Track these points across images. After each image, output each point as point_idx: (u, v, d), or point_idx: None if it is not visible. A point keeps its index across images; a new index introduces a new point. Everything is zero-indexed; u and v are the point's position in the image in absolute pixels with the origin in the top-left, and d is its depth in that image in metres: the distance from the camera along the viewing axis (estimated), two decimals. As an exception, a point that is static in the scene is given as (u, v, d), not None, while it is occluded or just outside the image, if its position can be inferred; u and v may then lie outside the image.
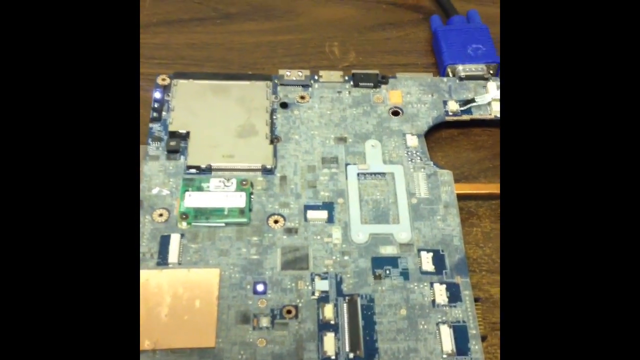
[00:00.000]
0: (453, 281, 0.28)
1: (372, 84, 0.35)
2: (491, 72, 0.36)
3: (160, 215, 0.29)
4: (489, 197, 0.33)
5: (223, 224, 0.29)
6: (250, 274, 0.28)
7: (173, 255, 0.28)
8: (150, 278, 0.27)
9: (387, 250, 0.29)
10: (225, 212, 0.29)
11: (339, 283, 0.28)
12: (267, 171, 0.31)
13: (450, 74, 0.36)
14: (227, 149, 0.31)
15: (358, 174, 0.31)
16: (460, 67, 0.36)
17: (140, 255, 0.28)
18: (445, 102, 0.35)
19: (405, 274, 0.28)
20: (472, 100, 0.35)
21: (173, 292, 0.27)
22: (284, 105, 0.34)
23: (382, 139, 0.33)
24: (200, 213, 0.29)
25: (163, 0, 0.41)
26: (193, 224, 0.29)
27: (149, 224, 0.29)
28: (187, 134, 0.32)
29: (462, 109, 0.34)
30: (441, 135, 0.35)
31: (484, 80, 0.36)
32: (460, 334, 0.27)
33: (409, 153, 0.32)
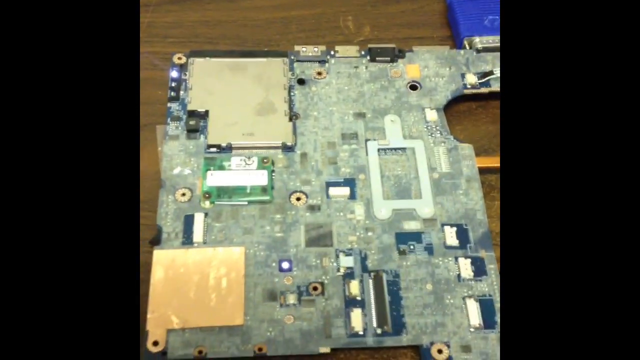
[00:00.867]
0: (478, 255, 0.28)
1: (389, 58, 0.35)
2: (508, 43, 0.36)
3: (183, 194, 0.29)
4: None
5: (246, 202, 0.29)
6: (275, 252, 0.28)
7: (198, 235, 0.28)
8: (176, 257, 0.27)
9: (411, 226, 0.29)
10: (248, 191, 0.29)
11: (363, 259, 0.28)
12: (287, 148, 0.31)
13: (467, 46, 0.36)
14: (246, 127, 0.31)
15: (379, 150, 0.31)
16: (477, 39, 0.36)
17: (165, 235, 0.28)
18: (463, 75, 0.34)
19: (429, 249, 0.28)
20: (491, 73, 0.34)
21: (200, 271, 0.27)
22: (301, 82, 0.34)
23: (401, 113, 0.33)
24: (223, 192, 0.29)
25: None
26: (216, 202, 0.29)
27: (172, 203, 0.29)
28: (206, 112, 0.32)
29: (480, 81, 0.34)
30: (459, 109, 0.35)
31: (502, 52, 0.35)
32: (486, 307, 0.27)
33: (429, 127, 0.32)
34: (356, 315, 0.26)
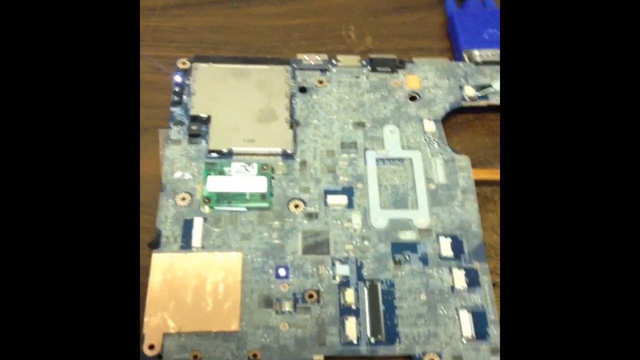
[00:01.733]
0: (471, 266, 0.29)
1: (389, 69, 0.35)
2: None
3: (183, 199, 0.30)
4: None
5: (245, 209, 0.30)
6: (272, 258, 0.28)
7: (196, 239, 0.28)
8: (174, 261, 0.28)
9: (407, 236, 0.29)
10: (247, 197, 0.30)
11: (359, 268, 0.28)
12: (287, 156, 0.31)
13: (467, 59, 0.37)
14: (247, 134, 0.32)
15: (377, 160, 0.32)
16: (476, 52, 0.36)
17: (164, 239, 0.28)
18: (461, 87, 0.35)
19: (424, 259, 0.29)
20: (489, 86, 0.35)
21: (197, 276, 0.27)
22: (302, 90, 0.34)
23: (400, 124, 0.33)
24: (223, 197, 0.30)
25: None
26: (215, 208, 0.29)
27: (172, 207, 0.29)
28: (208, 118, 0.32)
29: (479, 94, 0.35)
30: (457, 120, 0.35)
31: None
32: (479, 319, 0.27)
33: (427, 139, 0.33)
34: (350, 323, 0.27)
